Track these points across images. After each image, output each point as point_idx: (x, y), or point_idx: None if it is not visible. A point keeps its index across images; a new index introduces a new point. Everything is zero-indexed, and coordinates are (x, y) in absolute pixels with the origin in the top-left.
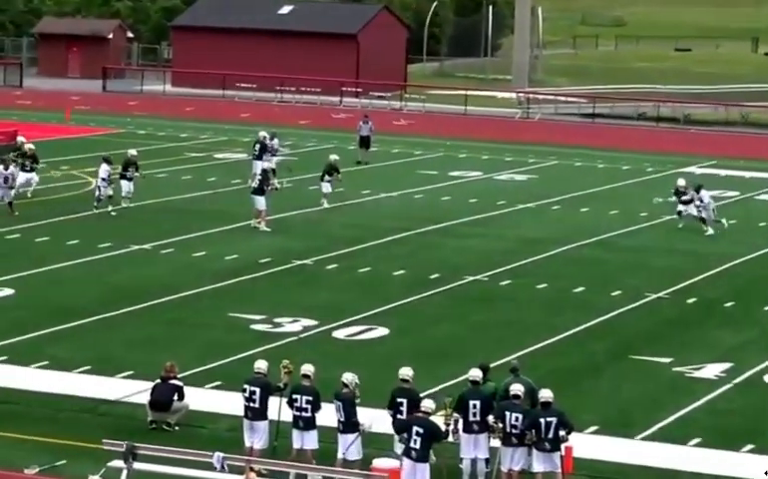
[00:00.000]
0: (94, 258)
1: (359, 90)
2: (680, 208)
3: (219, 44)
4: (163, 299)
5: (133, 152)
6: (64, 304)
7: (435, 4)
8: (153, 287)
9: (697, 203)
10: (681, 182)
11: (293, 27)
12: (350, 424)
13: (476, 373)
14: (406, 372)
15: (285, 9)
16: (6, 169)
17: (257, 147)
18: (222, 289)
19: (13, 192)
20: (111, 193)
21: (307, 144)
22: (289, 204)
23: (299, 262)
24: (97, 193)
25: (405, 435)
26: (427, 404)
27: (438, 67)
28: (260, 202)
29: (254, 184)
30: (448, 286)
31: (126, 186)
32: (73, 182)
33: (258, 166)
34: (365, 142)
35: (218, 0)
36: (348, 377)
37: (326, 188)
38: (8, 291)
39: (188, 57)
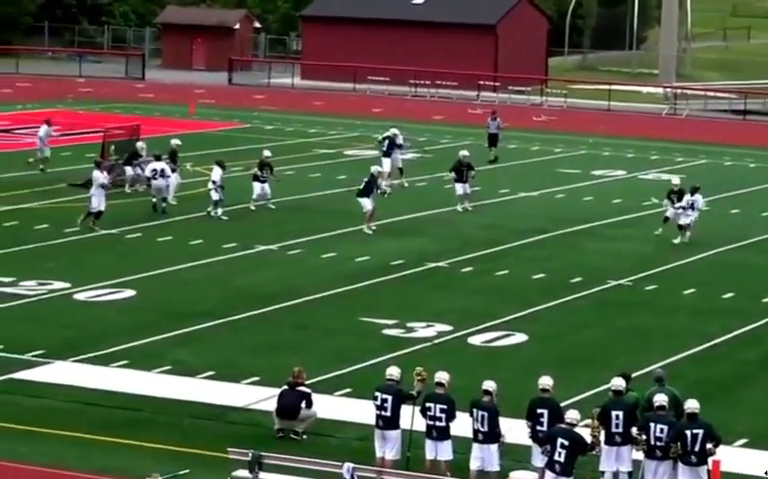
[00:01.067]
0: (218, 259)
1: (497, 84)
2: (670, 213)
3: (351, 35)
4: (290, 302)
5: (267, 153)
6: (186, 307)
7: None
8: (279, 290)
9: (685, 205)
10: (676, 180)
11: (428, 17)
12: (493, 435)
13: (618, 382)
14: (546, 382)
15: None
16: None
17: (386, 142)
18: (352, 292)
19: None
20: (221, 197)
21: (442, 140)
22: (423, 203)
23: (433, 265)
24: (215, 197)
25: (548, 447)
26: (572, 415)
27: (580, 60)
28: (366, 203)
29: (360, 186)
30: (590, 291)
31: (258, 187)
32: (197, 179)
33: (386, 162)
34: (493, 139)
35: None
36: (492, 385)
37: (459, 189)
38: (129, 293)
39: (317, 49)
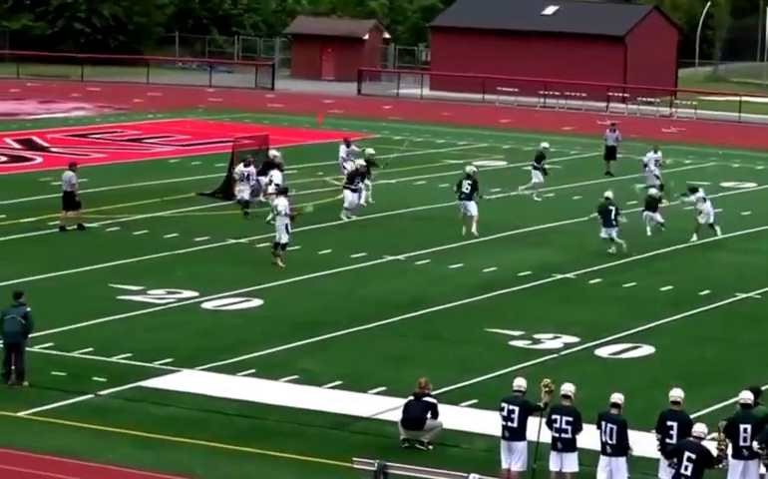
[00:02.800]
0: (346, 269)
1: (626, 95)
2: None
3: (480, 46)
4: (416, 313)
5: (361, 162)
6: (314, 317)
7: (708, 5)
8: (406, 300)
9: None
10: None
11: (558, 28)
12: (621, 447)
13: (747, 396)
14: (677, 394)
15: (549, 9)
16: (247, 166)
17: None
18: (479, 303)
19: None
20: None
21: (571, 151)
22: (551, 214)
23: (561, 276)
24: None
25: (675, 460)
26: (699, 428)
27: (711, 71)
28: (472, 208)
29: (465, 190)
30: (718, 304)
31: (350, 196)
32: (326, 189)
33: (536, 174)
34: (611, 152)
35: (479, 0)
36: (621, 398)
37: (603, 233)
38: (257, 302)
39: (446, 59)
